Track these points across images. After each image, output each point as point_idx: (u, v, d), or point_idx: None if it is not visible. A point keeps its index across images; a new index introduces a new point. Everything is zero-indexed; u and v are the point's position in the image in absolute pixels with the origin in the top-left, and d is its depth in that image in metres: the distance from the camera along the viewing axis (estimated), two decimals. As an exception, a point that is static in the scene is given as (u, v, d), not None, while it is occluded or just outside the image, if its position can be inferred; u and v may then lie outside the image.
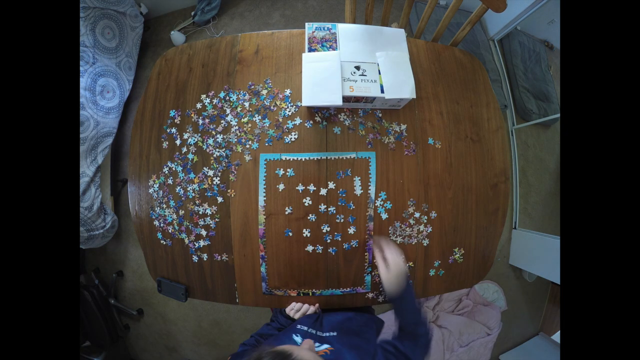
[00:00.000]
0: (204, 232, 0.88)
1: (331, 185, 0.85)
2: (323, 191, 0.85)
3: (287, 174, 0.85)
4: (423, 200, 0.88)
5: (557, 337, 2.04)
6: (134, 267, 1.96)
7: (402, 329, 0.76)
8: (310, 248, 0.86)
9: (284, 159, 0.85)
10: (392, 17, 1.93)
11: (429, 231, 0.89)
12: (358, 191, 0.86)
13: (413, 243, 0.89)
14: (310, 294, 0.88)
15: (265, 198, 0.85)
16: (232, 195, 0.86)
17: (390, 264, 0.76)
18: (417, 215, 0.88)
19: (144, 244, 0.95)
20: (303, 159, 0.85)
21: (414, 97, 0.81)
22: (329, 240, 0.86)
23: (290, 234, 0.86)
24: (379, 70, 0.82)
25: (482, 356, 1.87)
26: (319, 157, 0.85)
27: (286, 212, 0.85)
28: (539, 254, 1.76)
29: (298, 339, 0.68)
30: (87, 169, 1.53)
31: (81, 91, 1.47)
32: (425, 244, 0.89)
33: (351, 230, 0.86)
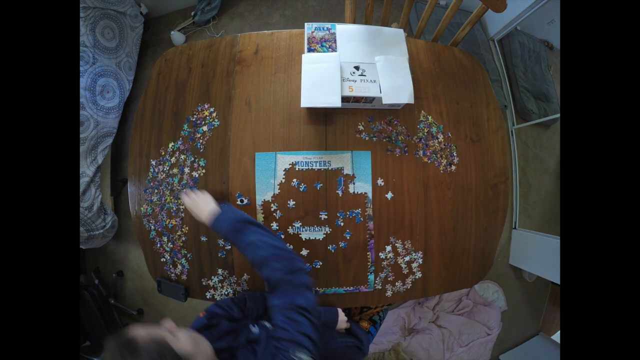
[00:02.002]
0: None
1: (331, 185, 0.85)
2: (322, 189, 0.85)
3: (285, 171, 0.85)
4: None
5: (557, 337, 2.04)
6: (134, 267, 1.96)
7: (266, 281, 0.66)
8: (309, 246, 0.86)
9: (282, 157, 0.85)
10: (392, 17, 1.93)
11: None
12: (357, 192, 0.86)
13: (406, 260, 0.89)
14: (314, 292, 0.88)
15: (262, 196, 0.85)
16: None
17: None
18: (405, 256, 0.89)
19: (144, 244, 0.95)
20: (304, 165, 0.85)
21: (412, 102, 0.81)
22: (328, 239, 0.86)
23: (290, 232, 0.86)
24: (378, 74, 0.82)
25: (482, 356, 1.87)
26: (319, 156, 0.86)
27: (288, 207, 0.85)
28: (539, 254, 1.76)
29: (255, 329, 0.66)
30: (87, 169, 1.53)
31: (81, 91, 1.47)
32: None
33: (350, 229, 0.86)
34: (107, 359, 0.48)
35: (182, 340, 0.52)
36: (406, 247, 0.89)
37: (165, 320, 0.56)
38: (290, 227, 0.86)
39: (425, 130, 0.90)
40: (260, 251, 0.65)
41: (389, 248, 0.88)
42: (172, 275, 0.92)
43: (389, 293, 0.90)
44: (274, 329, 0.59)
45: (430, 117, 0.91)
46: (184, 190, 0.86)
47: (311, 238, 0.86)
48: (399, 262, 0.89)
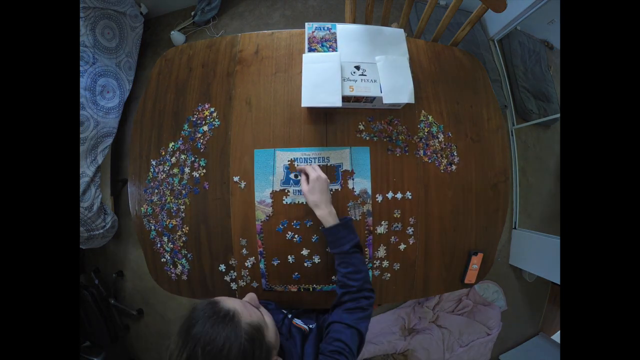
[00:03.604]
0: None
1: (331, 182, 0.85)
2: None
3: (283, 169, 0.85)
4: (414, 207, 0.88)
5: (557, 337, 2.04)
6: (134, 267, 1.96)
7: (343, 295, 0.71)
8: (308, 246, 0.86)
9: (281, 154, 0.85)
10: (392, 17, 1.93)
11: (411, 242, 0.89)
12: (355, 187, 0.86)
13: (411, 243, 0.89)
14: (311, 289, 0.88)
15: (261, 192, 0.85)
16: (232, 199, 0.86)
17: (311, 178, 0.77)
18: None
19: (144, 244, 0.95)
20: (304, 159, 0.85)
21: (413, 102, 0.81)
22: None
23: (289, 233, 0.86)
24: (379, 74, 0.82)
25: (482, 356, 1.87)
26: (319, 152, 0.86)
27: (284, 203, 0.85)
28: (539, 254, 1.76)
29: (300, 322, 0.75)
30: (87, 169, 1.53)
31: (81, 91, 1.47)
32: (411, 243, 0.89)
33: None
34: (198, 313, 0.54)
35: (263, 312, 0.63)
36: (405, 246, 0.89)
37: (248, 295, 0.64)
38: (288, 224, 0.86)
39: (426, 130, 0.90)
40: (357, 275, 0.71)
41: (386, 247, 0.88)
42: (173, 275, 0.92)
43: (386, 292, 0.90)
44: (329, 340, 0.65)
45: (430, 117, 0.91)
46: (312, 164, 0.83)
47: (309, 225, 0.86)
48: (397, 260, 0.89)
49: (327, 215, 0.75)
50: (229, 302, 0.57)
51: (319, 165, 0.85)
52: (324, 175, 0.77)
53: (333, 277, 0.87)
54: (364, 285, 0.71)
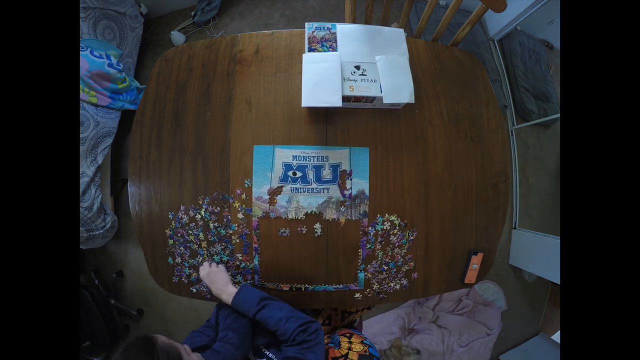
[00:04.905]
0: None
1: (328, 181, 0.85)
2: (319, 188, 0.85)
3: (282, 166, 0.86)
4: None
5: (557, 337, 2.04)
6: (134, 267, 1.96)
7: (281, 340, 0.71)
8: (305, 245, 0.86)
9: (280, 151, 0.85)
10: (392, 17, 1.93)
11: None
12: (353, 188, 0.86)
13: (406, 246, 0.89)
14: (303, 289, 0.88)
15: (260, 189, 0.86)
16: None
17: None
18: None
19: (144, 244, 0.95)
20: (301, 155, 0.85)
21: (413, 101, 0.81)
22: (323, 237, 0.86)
23: (281, 229, 0.86)
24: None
25: (482, 356, 1.87)
26: (318, 151, 0.86)
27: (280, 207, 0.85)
28: (539, 254, 1.76)
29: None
30: (87, 169, 1.53)
31: (81, 91, 1.47)
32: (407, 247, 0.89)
33: (346, 228, 0.86)
34: (126, 351, 0.55)
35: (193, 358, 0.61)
36: (405, 246, 0.89)
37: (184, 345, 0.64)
38: (286, 226, 0.86)
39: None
40: (280, 313, 0.70)
41: (386, 247, 0.88)
42: (174, 278, 0.92)
43: (381, 294, 0.90)
44: None
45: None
46: (201, 262, 0.89)
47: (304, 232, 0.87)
48: (395, 260, 0.89)
49: (229, 296, 0.75)
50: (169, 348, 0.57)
51: (317, 165, 0.85)
52: (203, 272, 0.82)
53: (327, 286, 0.88)
54: (290, 327, 0.68)
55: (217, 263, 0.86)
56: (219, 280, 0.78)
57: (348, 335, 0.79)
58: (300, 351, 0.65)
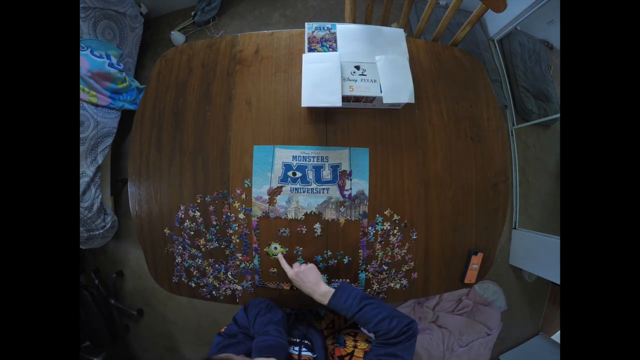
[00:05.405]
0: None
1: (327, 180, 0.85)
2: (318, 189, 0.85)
3: (281, 166, 0.86)
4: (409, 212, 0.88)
5: (557, 337, 2.04)
6: (134, 267, 1.96)
7: (377, 337, 0.71)
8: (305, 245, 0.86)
9: (280, 151, 0.85)
10: (392, 17, 1.93)
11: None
12: (352, 188, 0.86)
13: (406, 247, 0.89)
14: None
15: (259, 189, 0.86)
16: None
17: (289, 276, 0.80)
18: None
19: (144, 244, 0.95)
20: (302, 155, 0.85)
21: (413, 101, 0.81)
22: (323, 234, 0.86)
23: (282, 229, 0.86)
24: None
25: (482, 356, 1.87)
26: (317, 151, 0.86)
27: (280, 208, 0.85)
28: (539, 254, 1.76)
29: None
30: (87, 169, 1.53)
31: (81, 91, 1.47)
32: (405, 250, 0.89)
33: (346, 228, 0.86)
34: None
35: None
36: (405, 246, 0.89)
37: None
38: (286, 227, 0.86)
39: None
40: (383, 312, 0.70)
41: (386, 247, 0.88)
42: (174, 278, 0.92)
43: (382, 294, 0.90)
44: None
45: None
46: (294, 263, 0.84)
47: (304, 232, 0.87)
48: (397, 260, 0.89)
49: (322, 296, 0.74)
50: None
51: (317, 165, 0.85)
52: (291, 272, 0.79)
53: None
54: (395, 326, 0.68)
55: (306, 263, 0.83)
56: (310, 280, 0.76)
57: (353, 334, 0.79)
58: (401, 351, 0.66)
